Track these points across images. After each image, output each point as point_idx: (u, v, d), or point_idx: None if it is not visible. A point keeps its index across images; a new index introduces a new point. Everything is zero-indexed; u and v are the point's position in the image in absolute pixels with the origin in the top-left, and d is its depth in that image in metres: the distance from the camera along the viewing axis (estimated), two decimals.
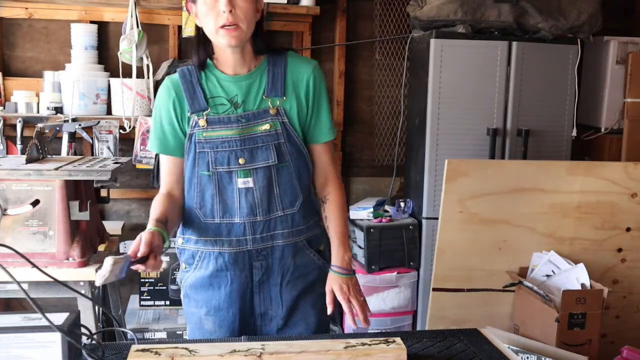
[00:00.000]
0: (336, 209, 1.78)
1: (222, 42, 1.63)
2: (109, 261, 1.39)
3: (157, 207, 1.69)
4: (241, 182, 1.68)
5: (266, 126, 1.68)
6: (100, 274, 1.39)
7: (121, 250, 3.21)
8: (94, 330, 1.98)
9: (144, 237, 1.49)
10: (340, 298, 1.71)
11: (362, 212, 3.45)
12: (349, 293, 1.71)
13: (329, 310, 1.74)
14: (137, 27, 3.24)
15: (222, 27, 1.60)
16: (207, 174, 1.69)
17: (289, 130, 1.70)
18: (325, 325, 1.87)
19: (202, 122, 1.68)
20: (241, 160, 1.68)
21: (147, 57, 3.32)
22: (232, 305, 1.75)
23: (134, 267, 1.48)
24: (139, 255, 1.47)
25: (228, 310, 1.75)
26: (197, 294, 1.78)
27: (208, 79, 1.71)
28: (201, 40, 1.70)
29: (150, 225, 1.58)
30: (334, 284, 1.73)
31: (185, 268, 1.81)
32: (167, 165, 1.76)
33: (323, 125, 1.75)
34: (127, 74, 3.29)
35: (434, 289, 2.50)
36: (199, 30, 1.70)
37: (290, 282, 1.77)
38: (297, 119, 1.71)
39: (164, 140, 1.73)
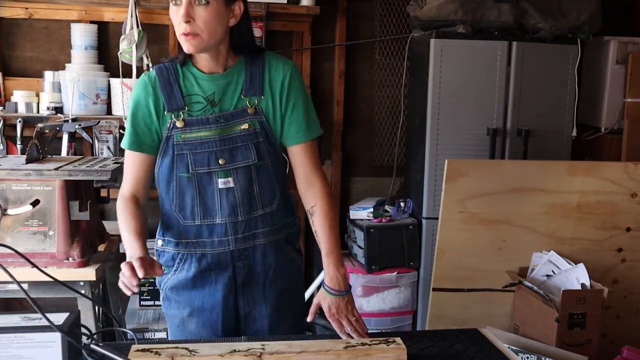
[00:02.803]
0: (325, 222, 1.70)
1: (183, 48, 1.63)
2: None
3: (130, 220, 1.66)
4: (221, 183, 1.67)
5: (245, 125, 1.68)
6: None
7: (121, 251, 3.20)
8: (94, 330, 1.98)
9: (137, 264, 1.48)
10: (329, 319, 1.67)
11: (362, 212, 3.45)
12: (339, 314, 1.65)
13: (309, 319, 1.71)
14: (137, 27, 3.24)
15: (182, 34, 1.60)
16: (186, 176, 1.68)
17: (267, 130, 1.70)
18: (303, 320, 1.82)
19: (179, 124, 1.66)
20: (221, 161, 1.67)
21: (147, 57, 3.32)
22: (216, 306, 1.74)
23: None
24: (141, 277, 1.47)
25: (211, 311, 1.74)
26: (179, 295, 1.76)
27: (185, 77, 1.69)
28: None
29: (137, 250, 1.57)
30: (323, 302, 1.68)
31: (165, 270, 1.77)
32: (137, 163, 1.71)
33: (299, 126, 1.72)
34: (127, 74, 3.29)
35: (434, 289, 2.50)
36: None
37: (272, 280, 1.76)
38: (273, 118, 1.70)
39: (138, 138, 1.69)
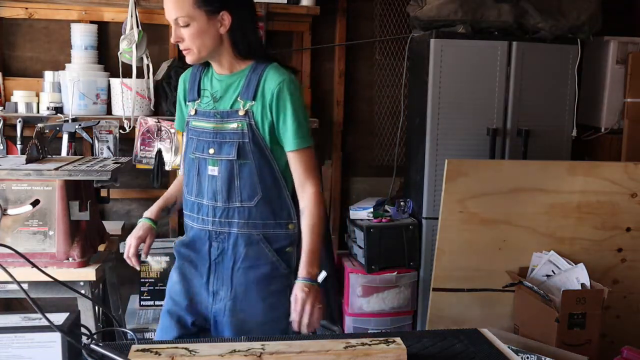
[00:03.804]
0: (308, 224, 1.86)
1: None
2: None
3: (173, 185, 2.10)
4: (210, 169, 1.89)
5: (234, 125, 1.85)
6: None
7: (121, 250, 3.21)
8: (94, 330, 1.98)
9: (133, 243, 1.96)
10: (293, 304, 1.79)
11: (362, 212, 3.45)
12: (305, 297, 1.77)
13: (294, 326, 1.80)
14: (137, 27, 3.24)
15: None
16: (192, 157, 1.93)
17: (255, 132, 1.85)
18: (279, 324, 1.88)
19: (192, 112, 1.93)
20: (211, 151, 1.88)
21: (147, 57, 3.31)
22: (192, 271, 1.97)
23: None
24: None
25: (190, 272, 1.99)
26: (178, 250, 2.02)
27: (206, 74, 1.94)
28: None
29: (150, 210, 2.04)
30: (294, 291, 1.81)
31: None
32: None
33: (288, 135, 1.86)
34: (127, 74, 3.29)
35: (434, 289, 2.50)
36: None
37: (240, 269, 1.91)
38: (262, 123, 1.85)
39: (181, 121, 2.03)
